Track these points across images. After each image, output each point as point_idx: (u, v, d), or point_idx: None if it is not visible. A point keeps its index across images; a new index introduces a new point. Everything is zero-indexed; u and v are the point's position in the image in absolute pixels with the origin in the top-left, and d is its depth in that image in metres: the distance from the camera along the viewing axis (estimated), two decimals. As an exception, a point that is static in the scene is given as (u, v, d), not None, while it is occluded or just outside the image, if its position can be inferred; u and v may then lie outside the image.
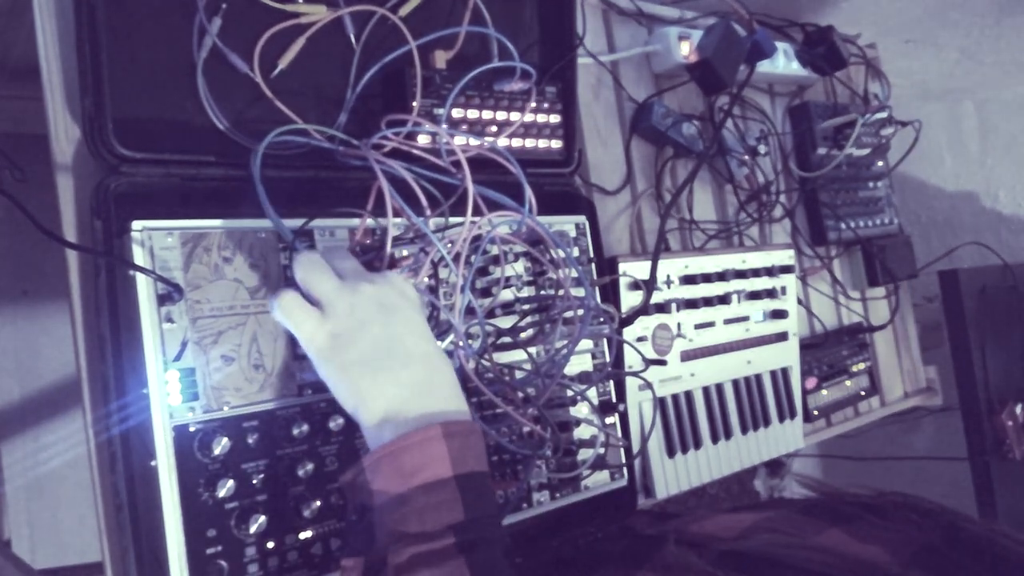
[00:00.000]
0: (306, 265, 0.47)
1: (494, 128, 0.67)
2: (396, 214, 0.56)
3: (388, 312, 0.46)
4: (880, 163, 1.20)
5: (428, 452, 0.42)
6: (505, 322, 0.64)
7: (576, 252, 0.72)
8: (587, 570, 0.41)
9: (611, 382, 0.73)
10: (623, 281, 0.77)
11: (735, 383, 0.89)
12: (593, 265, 0.73)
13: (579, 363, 0.70)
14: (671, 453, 0.81)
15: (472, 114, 0.65)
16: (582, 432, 0.68)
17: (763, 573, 0.39)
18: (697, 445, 0.84)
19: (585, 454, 0.67)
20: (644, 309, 0.77)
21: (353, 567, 0.41)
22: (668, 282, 0.83)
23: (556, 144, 0.73)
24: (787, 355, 0.95)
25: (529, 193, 0.62)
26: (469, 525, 0.41)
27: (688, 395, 0.84)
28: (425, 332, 0.48)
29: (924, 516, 0.42)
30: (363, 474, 0.43)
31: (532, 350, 0.65)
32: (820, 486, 0.49)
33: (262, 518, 0.49)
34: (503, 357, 0.64)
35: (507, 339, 0.64)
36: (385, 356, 0.45)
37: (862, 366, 1.08)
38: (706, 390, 0.86)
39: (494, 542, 0.43)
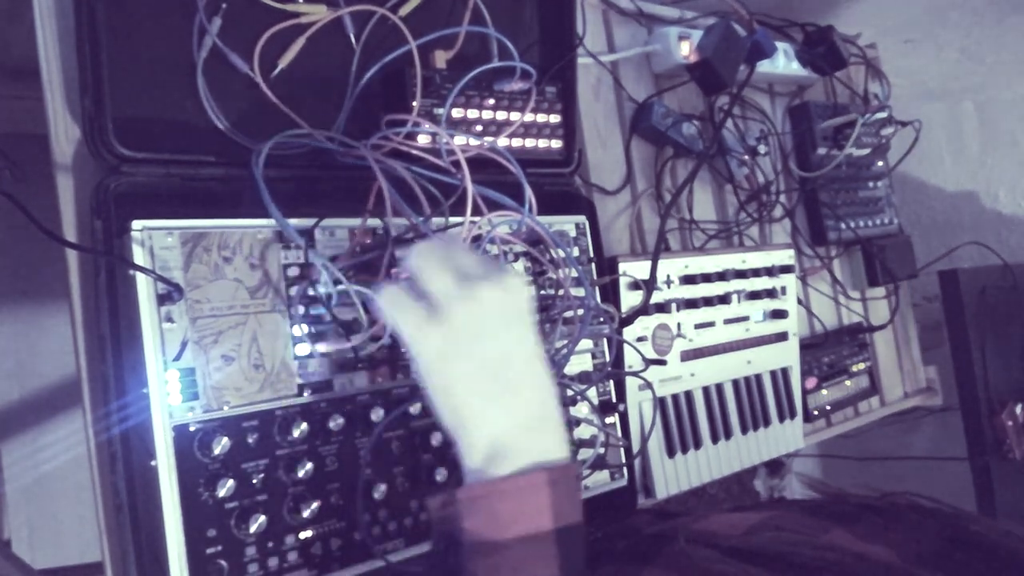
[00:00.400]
0: (425, 255, 0.42)
1: (494, 128, 0.67)
2: (396, 214, 0.56)
3: (507, 327, 0.41)
4: (880, 163, 1.20)
5: (530, 502, 0.39)
6: (505, 322, 0.64)
7: (576, 252, 0.72)
8: (590, 568, 0.41)
9: (611, 382, 0.73)
10: (623, 281, 0.77)
11: (735, 383, 0.89)
12: (593, 265, 0.73)
13: (579, 363, 0.70)
14: (671, 453, 0.81)
15: (472, 114, 0.65)
16: (582, 432, 0.68)
17: (772, 568, 0.38)
18: (697, 445, 0.84)
19: (585, 454, 0.67)
20: (644, 309, 0.77)
21: None
22: (668, 282, 0.83)
23: (556, 144, 0.73)
24: (787, 355, 0.95)
25: (529, 193, 0.62)
26: None
27: (688, 395, 0.84)
28: (538, 351, 0.43)
29: (930, 516, 0.41)
30: (455, 506, 0.39)
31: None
32: (824, 487, 0.49)
33: (262, 518, 0.49)
34: (503, 357, 0.64)
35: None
36: (497, 379, 0.41)
37: (862, 366, 1.08)
38: (706, 390, 0.86)
39: None
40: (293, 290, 0.54)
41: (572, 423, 0.67)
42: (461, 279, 0.42)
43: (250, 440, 0.51)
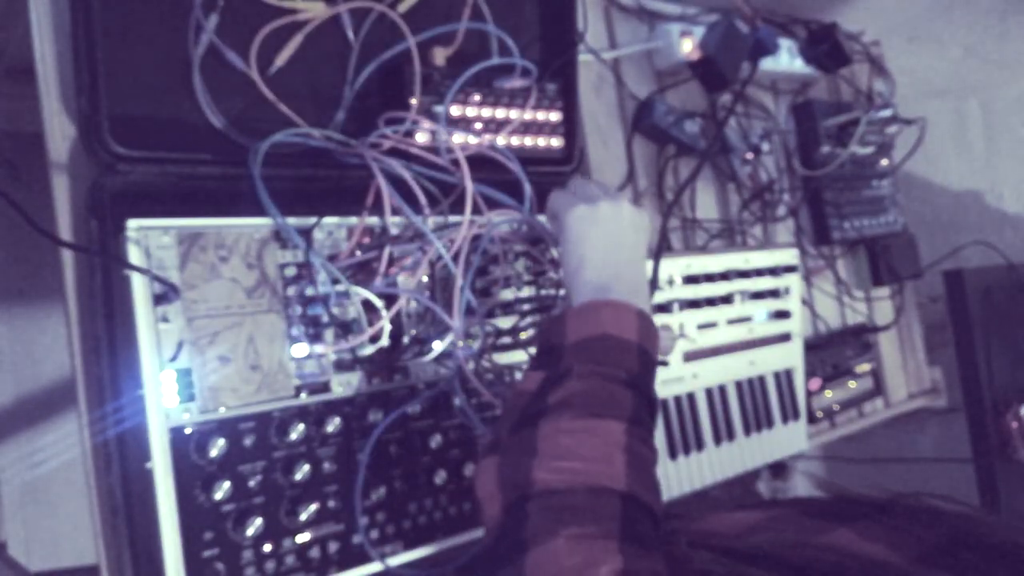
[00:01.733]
0: (579, 183, 0.58)
1: (494, 126, 0.66)
2: (395, 213, 0.56)
3: (633, 232, 0.55)
4: (884, 161, 1.19)
5: (625, 319, 0.49)
6: (505, 322, 0.64)
7: (577, 251, 0.71)
8: None
9: (613, 383, 0.72)
10: (625, 281, 0.77)
11: (738, 384, 0.88)
12: (594, 265, 0.72)
13: (580, 364, 0.70)
14: (673, 455, 0.81)
15: (472, 112, 0.65)
16: (583, 433, 0.67)
17: (768, 567, 0.38)
18: (699, 447, 0.83)
19: (586, 456, 0.66)
20: (646, 309, 0.77)
21: (533, 379, 0.47)
22: (670, 282, 0.82)
23: (557, 142, 0.72)
24: (791, 356, 0.94)
25: (529, 191, 0.61)
26: (638, 379, 0.48)
27: (690, 396, 0.83)
28: (644, 256, 0.56)
29: (935, 516, 0.41)
30: (563, 318, 0.49)
31: (532, 350, 0.65)
32: (830, 486, 0.49)
33: (259, 521, 0.49)
34: (503, 357, 0.63)
35: (507, 339, 0.63)
36: (618, 248, 0.53)
37: (866, 367, 1.07)
38: (708, 391, 0.85)
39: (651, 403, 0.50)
40: (290, 290, 0.53)
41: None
42: (608, 193, 0.56)
43: (247, 442, 0.50)
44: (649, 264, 0.76)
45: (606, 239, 0.53)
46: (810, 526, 0.43)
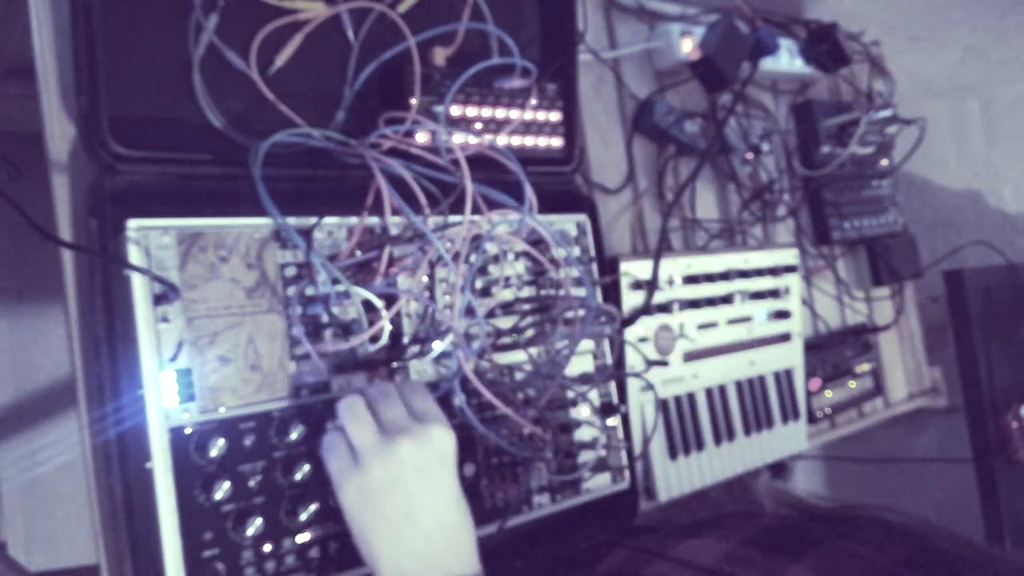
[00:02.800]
0: (347, 412, 0.48)
1: (494, 126, 0.66)
2: (395, 213, 0.56)
3: (422, 478, 0.47)
4: (884, 161, 1.19)
5: None
6: (505, 322, 0.64)
7: (577, 251, 0.71)
8: None
9: (612, 383, 0.72)
10: (625, 281, 0.77)
11: (738, 384, 0.88)
12: (594, 265, 0.73)
13: (580, 364, 0.70)
14: (673, 455, 0.81)
15: (472, 112, 0.65)
16: (583, 434, 0.67)
17: None
18: (700, 447, 0.83)
19: (586, 456, 0.66)
20: (646, 309, 0.77)
21: None
22: (670, 282, 0.82)
23: (557, 142, 0.72)
24: (791, 356, 0.94)
25: (529, 192, 0.61)
26: None
27: (690, 396, 0.83)
28: (453, 498, 0.48)
29: (891, 533, 0.41)
30: None
31: (532, 351, 0.65)
32: (792, 501, 0.48)
33: (259, 521, 0.49)
34: (503, 358, 0.63)
35: (507, 339, 0.63)
36: (408, 525, 0.46)
37: (866, 367, 1.07)
38: (709, 391, 0.85)
39: None
40: (290, 290, 0.53)
41: (573, 425, 0.67)
42: (383, 433, 0.47)
43: (247, 442, 0.50)
44: (649, 264, 0.76)
45: (393, 518, 0.45)
46: (768, 566, 0.42)
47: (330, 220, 0.56)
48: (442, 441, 0.48)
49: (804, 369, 0.96)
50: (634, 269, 0.78)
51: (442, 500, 0.47)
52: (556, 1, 0.72)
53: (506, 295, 0.64)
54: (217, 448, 0.48)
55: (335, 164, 0.58)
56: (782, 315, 0.93)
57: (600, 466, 0.66)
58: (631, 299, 0.77)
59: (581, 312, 0.65)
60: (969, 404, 1.17)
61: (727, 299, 0.87)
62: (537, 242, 0.65)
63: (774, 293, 0.92)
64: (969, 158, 1.60)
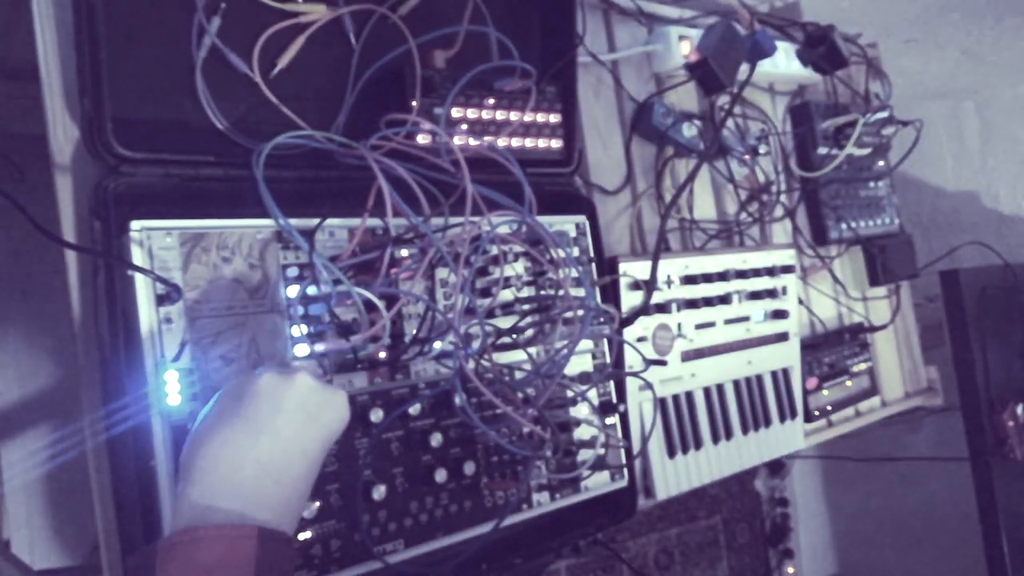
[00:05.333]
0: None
1: (494, 128, 0.67)
2: (396, 214, 0.56)
3: (296, 416, 0.43)
4: (881, 163, 1.19)
5: (236, 551, 0.37)
6: (505, 322, 0.64)
7: (576, 252, 0.71)
8: None
9: (611, 382, 0.72)
10: (623, 281, 0.77)
11: (736, 383, 0.89)
12: (593, 265, 0.73)
13: (579, 363, 0.70)
14: (671, 454, 0.81)
15: (472, 113, 0.65)
16: (582, 433, 0.68)
17: None
18: (698, 446, 0.84)
19: (585, 455, 0.66)
20: (644, 309, 0.77)
21: None
22: (668, 282, 0.83)
23: (556, 144, 0.72)
24: (788, 355, 0.95)
25: (529, 193, 0.62)
26: None
27: (689, 395, 0.84)
28: (310, 457, 0.43)
29: None
30: (155, 556, 0.36)
31: (532, 350, 0.65)
32: None
33: (261, 519, 0.49)
34: (503, 357, 0.64)
35: (507, 339, 0.63)
36: (250, 444, 0.41)
37: (863, 366, 1.08)
38: (707, 390, 0.85)
39: None
40: (292, 290, 0.54)
41: (572, 424, 0.67)
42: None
43: (249, 441, 0.50)
44: (647, 265, 0.76)
45: (242, 429, 0.41)
46: None
47: (332, 221, 0.56)
48: (339, 407, 0.46)
49: (801, 368, 0.96)
50: (633, 269, 0.78)
51: (298, 448, 0.42)
52: (555, 4, 0.73)
53: (506, 295, 0.65)
54: (220, 447, 0.48)
55: (337, 166, 0.59)
56: (779, 315, 0.93)
57: (599, 464, 0.67)
58: (630, 299, 0.78)
59: (580, 312, 0.65)
60: (965, 403, 1.17)
61: (725, 299, 0.88)
62: (537, 243, 0.65)
63: (771, 293, 0.92)
64: (965, 159, 1.61)
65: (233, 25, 0.56)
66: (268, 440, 0.41)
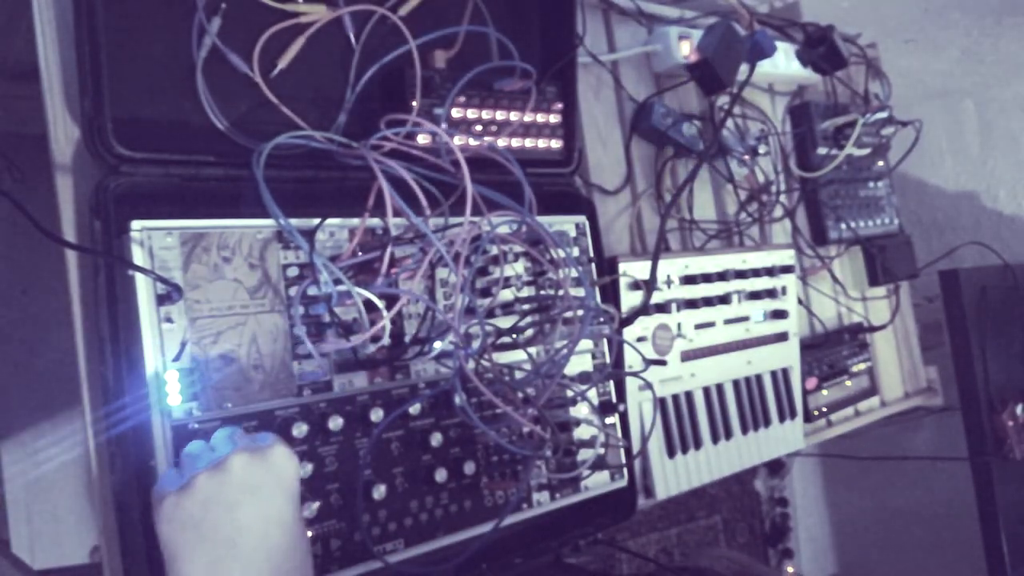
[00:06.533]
0: (184, 454, 0.45)
1: (494, 128, 0.67)
2: (396, 214, 0.56)
3: (252, 498, 0.42)
4: (880, 163, 1.19)
5: None
6: (505, 322, 0.64)
7: (576, 252, 0.71)
8: None
9: (611, 382, 0.72)
10: (623, 281, 0.77)
11: (735, 383, 0.89)
12: (593, 265, 0.73)
13: (579, 363, 0.70)
14: (671, 453, 0.81)
15: (472, 114, 0.65)
16: (582, 432, 0.68)
17: None
18: (697, 445, 0.84)
19: (585, 454, 0.67)
20: (644, 309, 0.77)
21: None
22: (668, 282, 0.83)
23: (556, 144, 0.72)
24: (787, 355, 0.95)
25: (529, 193, 0.62)
26: None
27: (688, 395, 0.84)
28: (287, 522, 0.43)
29: None
30: None
31: (532, 350, 0.65)
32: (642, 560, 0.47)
33: (261, 518, 0.49)
34: (503, 357, 0.64)
35: (507, 339, 0.63)
36: (227, 549, 0.40)
37: (862, 366, 1.08)
38: (706, 390, 0.86)
39: None
40: (293, 290, 0.54)
41: (572, 423, 0.67)
42: (215, 453, 0.44)
43: (250, 440, 0.50)
44: (647, 265, 0.76)
45: (212, 539, 0.40)
46: None
47: (332, 221, 0.56)
48: (282, 463, 0.44)
49: (801, 368, 0.96)
50: (632, 269, 0.78)
51: (272, 523, 0.42)
52: (555, 4, 0.73)
53: (506, 295, 0.65)
54: (220, 446, 0.48)
55: (337, 166, 0.59)
56: (779, 315, 0.93)
57: (599, 464, 0.67)
58: (629, 299, 0.78)
59: (580, 312, 0.65)
60: (965, 403, 1.18)
61: (724, 299, 0.88)
62: (536, 243, 0.66)
63: (771, 293, 0.92)
64: (964, 159, 1.61)
65: (233, 25, 0.56)
66: (246, 541, 0.41)
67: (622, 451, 0.72)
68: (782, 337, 0.94)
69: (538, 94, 0.69)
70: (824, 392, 1.01)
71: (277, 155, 0.55)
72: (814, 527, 1.97)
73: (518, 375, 0.64)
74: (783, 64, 1.05)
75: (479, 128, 0.66)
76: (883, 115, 1.11)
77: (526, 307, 0.66)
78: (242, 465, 0.43)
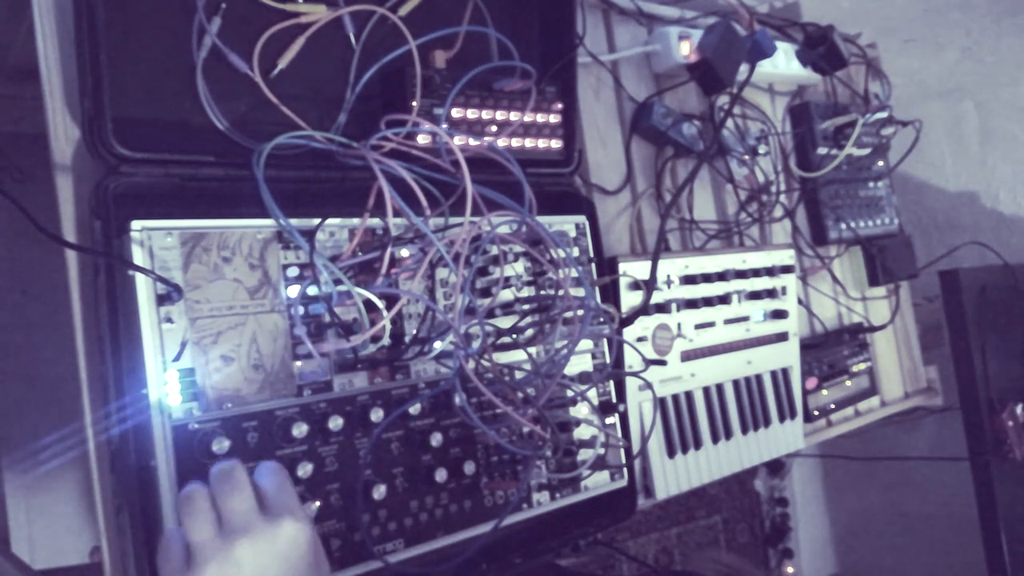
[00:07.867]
0: (186, 506, 0.43)
1: (494, 128, 0.67)
2: (396, 214, 0.56)
3: (286, 567, 0.42)
4: (880, 163, 1.20)
5: None
6: (505, 322, 0.64)
7: (576, 252, 0.71)
8: None
9: (611, 382, 0.73)
10: (623, 281, 0.77)
11: (735, 383, 0.89)
12: (593, 265, 0.73)
13: (579, 363, 0.70)
14: (671, 453, 0.81)
15: (472, 114, 0.65)
16: (582, 432, 0.68)
17: None
18: (697, 445, 0.84)
19: (585, 454, 0.67)
20: (644, 309, 0.77)
21: None
22: (668, 282, 0.83)
23: (556, 144, 0.72)
24: (787, 355, 0.95)
25: (529, 193, 0.62)
26: None
27: (688, 395, 0.84)
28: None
29: None
30: None
31: (532, 350, 0.65)
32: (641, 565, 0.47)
33: (261, 518, 0.49)
34: (503, 357, 0.64)
35: (507, 339, 0.63)
36: None
37: (862, 366, 1.08)
38: (706, 390, 0.86)
39: None
40: (293, 290, 0.54)
41: (572, 423, 0.67)
42: (222, 532, 0.42)
43: (250, 440, 0.51)
44: (647, 265, 0.76)
45: None
46: None
47: (332, 221, 0.56)
48: (290, 538, 0.43)
49: (801, 368, 0.96)
50: (632, 269, 0.78)
51: None
52: (555, 4, 0.73)
53: (506, 295, 0.65)
54: (220, 446, 0.48)
55: (337, 166, 0.59)
56: (779, 315, 0.93)
57: (599, 464, 0.67)
58: (629, 299, 0.78)
59: (580, 312, 0.65)
60: (965, 403, 1.18)
61: (724, 299, 0.88)
62: (536, 243, 0.66)
63: (771, 293, 0.92)
64: (965, 160, 1.61)
65: (233, 25, 0.56)
66: None
67: (622, 451, 0.72)
68: (782, 337, 0.94)
69: (538, 94, 0.69)
70: (824, 392, 1.01)
71: (277, 155, 0.55)
72: (814, 527, 1.97)
73: (518, 375, 0.64)
74: (783, 64, 1.05)
75: (479, 128, 0.66)
76: (883, 115, 1.11)
77: (526, 307, 0.66)
78: (249, 554, 0.42)
